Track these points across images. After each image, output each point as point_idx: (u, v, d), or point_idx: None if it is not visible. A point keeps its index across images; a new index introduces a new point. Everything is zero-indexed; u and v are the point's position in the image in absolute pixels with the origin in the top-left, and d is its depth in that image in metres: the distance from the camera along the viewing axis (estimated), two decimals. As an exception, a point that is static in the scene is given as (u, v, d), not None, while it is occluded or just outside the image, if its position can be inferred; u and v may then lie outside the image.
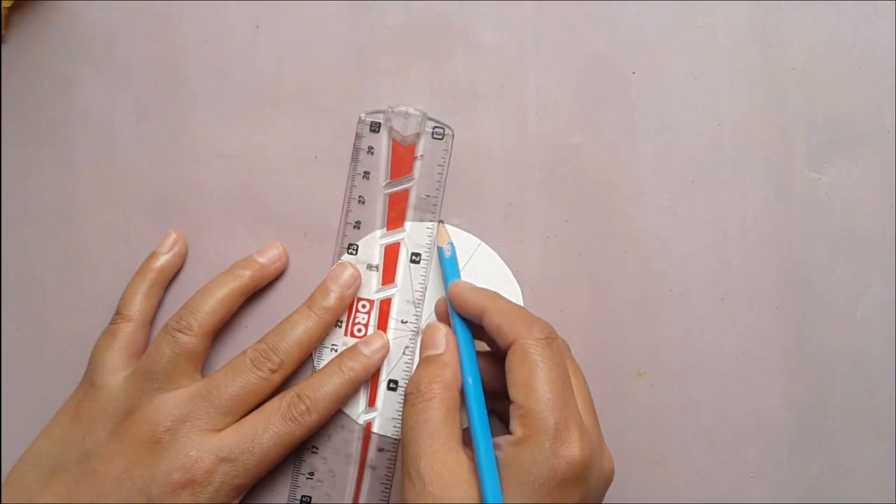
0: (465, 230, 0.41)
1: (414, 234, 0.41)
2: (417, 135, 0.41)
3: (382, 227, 0.41)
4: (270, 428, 0.37)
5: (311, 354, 0.40)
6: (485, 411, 0.35)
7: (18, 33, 0.42)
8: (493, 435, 0.34)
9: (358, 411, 0.40)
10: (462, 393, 0.35)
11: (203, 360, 0.40)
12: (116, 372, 0.39)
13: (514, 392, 0.33)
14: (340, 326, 0.40)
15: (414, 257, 0.41)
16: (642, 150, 0.41)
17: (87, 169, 0.42)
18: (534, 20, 0.41)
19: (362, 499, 0.40)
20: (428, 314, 0.41)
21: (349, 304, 0.40)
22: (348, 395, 0.39)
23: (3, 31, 0.42)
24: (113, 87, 0.42)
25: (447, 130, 0.41)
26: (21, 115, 0.42)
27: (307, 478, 0.40)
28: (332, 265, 0.41)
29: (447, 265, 0.39)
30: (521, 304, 0.41)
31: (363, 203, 0.41)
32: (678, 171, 0.41)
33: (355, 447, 0.40)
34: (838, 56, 0.41)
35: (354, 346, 0.40)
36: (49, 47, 0.42)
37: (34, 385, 0.41)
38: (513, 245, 0.41)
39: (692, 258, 0.41)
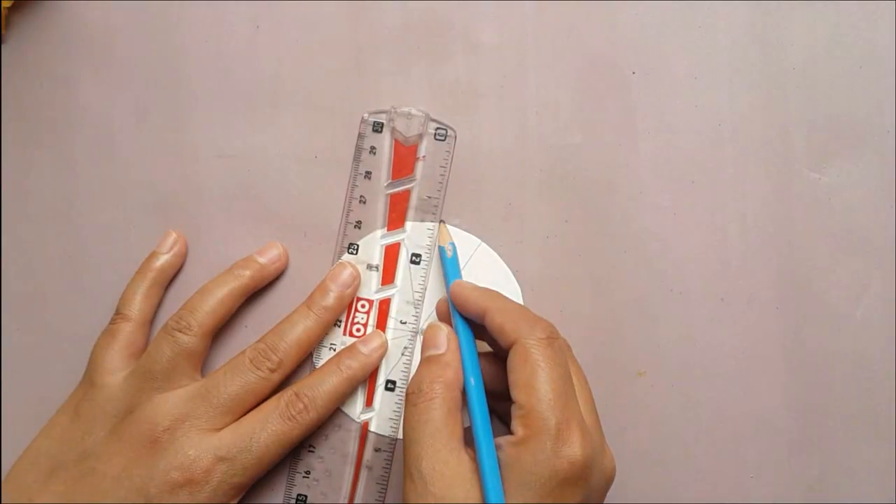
0: (465, 230, 0.41)
1: (414, 234, 0.41)
2: (420, 136, 0.41)
3: (383, 228, 0.41)
4: (268, 427, 0.37)
5: (310, 354, 0.40)
6: (487, 411, 0.35)
7: (18, 33, 0.42)
8: (494, 435, 0.34)
9: (356, 411, 0.40)
10: (463, 393, 0.35)
11: (203, 360, 0.40)
12: (116, 371, 0.39)
13: (515, 392, 0.33)
14: (339, 326, 0.40)
15: (414, 258, 0.41)
16: (642, 150, 0.41)
17: (87, 169, 0.42)
18: (534, 20, 0.41)
19: (358, 498, 0.40)
20: (427, 315, 0.41)
21: (348, 304, 0.40)
22: (346, 394, 0.39)
23: (3, 31, 0.42)
24: (113, 86, 0.42)
25: (450, 132, 0.41)
26: (21, 115, 0.42)
27: (303, 477, 0.40)
28: (332, 265, 0.41)
29: (449, 265, 0.39)
30: (522, 304, 0.41)
31: (364, 203, 0.41)
32: (678, 171, 0.41)
33: (352, 447, 0.40)
34: (838, 56, 0.41)
35: (353, 346, 0.40)
36: (49, 47, 0.42)
37: (34, 385, 0.41)
38: (513, 245, 0.41)
39: (692, 258, 0.41)
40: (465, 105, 0.41)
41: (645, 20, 0.41)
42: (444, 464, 0.33)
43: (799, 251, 0.41)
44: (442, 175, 0.41)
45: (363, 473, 0.40)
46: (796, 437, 0.40)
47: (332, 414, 0.39)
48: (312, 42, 0.42)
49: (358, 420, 0.40)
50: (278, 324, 0.39)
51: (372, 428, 0.40)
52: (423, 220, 0.41)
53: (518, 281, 0.41)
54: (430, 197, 0.41)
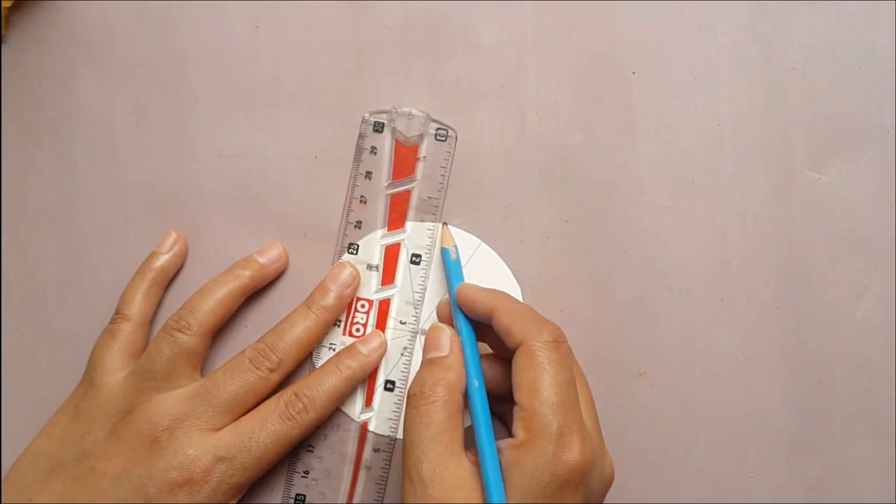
0: (465, 230, 0.41)
1: (415, 235, 0.41)
2: (421, 136, 0.41)
3: (383, 228, 0.41)
4: (268, 426, 0.37)
5: (309, 354, 0.40)
6: (489, 415, 0.35)
7: (18, 33, 0.42)
8: (495, 438, 0.34)
9: (355, 411, 0.40)
10: (465, 395, 0.35)
11: (202, 360, 0.40)
12: (116, 371, 0.39)
13: (518, 394, 0.33)
14: (339, 326, 0.40)
15: (414, 258, 0.41)
16: (642, 150, 0.41)
17: (87, 169, 0.42)
18: (534, 20, 0.41)
19: (356, 499, 0.40)
20: (427, 315, 0.41)
21: (348, 304, 0.40)
22: (346, 394, 0.39)
23: (3, 31, 0.42)
24: (113, 86, 0.42)
25: (450, 132, 0.41)
26: (21, 115, 0.42)
27: (302, 476, 0.40)
28: (332, 265, 0.41)
29: (452, 267, 0.39)
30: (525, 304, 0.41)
31: (365, 203, 0.41)
32: (678, 171, 0.41)
33: (351, 447, 0.40)
34: (838, 56, 0.41)
35: (352, 345, 0.40)
36: (49, 47, 0.42)
37: (34, 385, 0.41)
38: (513, 245, 0.41)
39: (692, 258, 0.41)
40: (465, 105, 0.41)
41: (645, 20, 0.41)
42: (444, 467, 0.32)
43: (799, 251, 0.41)
44: (442, 175, 0.41)
45: (362, 473, 0.40)
46: (796, 437, 0.40)
47: (332, 414, 0.39)
48: (312, 42, 0.42)
49: (357, 420, 0.40)
50: (278, 324, 0.39)
51: (371, 428, 0.40)
52: (423, 221, 0.41)
53: (518, 281, 0.41)
54: (430, 197, 0.41)
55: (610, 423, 0.38)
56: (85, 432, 0.38)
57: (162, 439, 0.37)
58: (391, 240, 0.41)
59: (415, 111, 0.41)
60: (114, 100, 0.42)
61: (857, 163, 0.41)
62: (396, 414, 0.40)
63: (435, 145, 0.41)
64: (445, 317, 0.38)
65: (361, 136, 0.41)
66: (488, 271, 0.41)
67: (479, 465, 0.33)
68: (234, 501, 0.37)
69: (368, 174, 0.41)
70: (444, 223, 0.40)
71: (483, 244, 0.41)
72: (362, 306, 0.41)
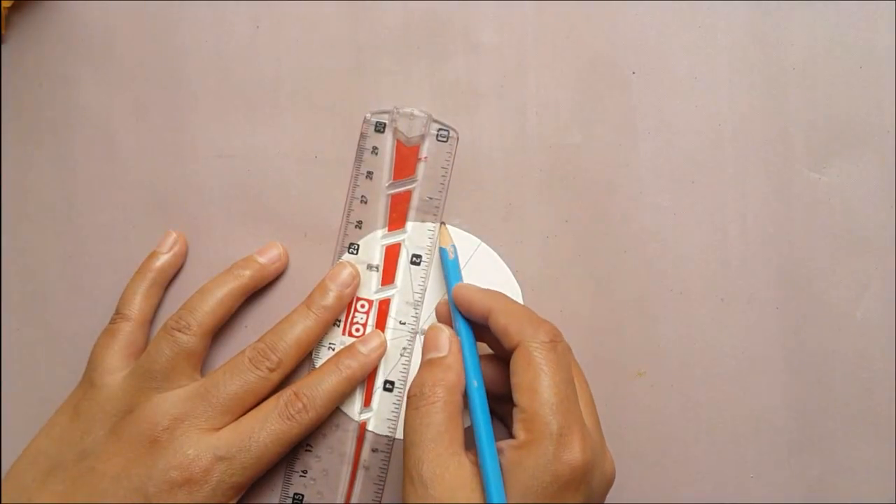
0: (465, 230, 0.41)
1: (415, 235, 0.41)
2: (422, 136, 0.41)
3: (384, 228, 0.41)
4: (268, 426, 0.37)
5: (309, 354, 0.40)
6: (488, 415, 0.35)
7: (18, 33, 0.42)
8: (496, 438, 0.34)
9: (355, 411, 0.40)
10: (465, 396, 0.35)
11: (202, 360, 0.40)
12: (116, 371, 0.39)
13: (517, 395, 0.33)
14: (339, 326, 0.40)
15: (414, 259, 0.41)
16: (642, 150, 0.41)
17: (87, 169, 0.42)
18: (534, 20, 0.41)
19: (355, 498, 0.40)
20: (427, 316, 0.41)
21: (348, 304, 0.40)
22: (345, 394, 0.39)
23: (3, 31, 0.42)
24: (112, 86, 0.42)
25: (452, 133, 0.41)
26: (21, 115, 0.42)
27: (300, 476, 0.40)
28: (333, 265, 0.41)
29: (450, 267, 0.39)
30: (521, 303, 0.41)
31: (365, 203, 0.41)
32: (678, 171, 0.41)
33: (349, 446, 0.40)
34: (838, 56, 0.41)
35: (352, 345, 0.40)
36: (49, 47, 0.42)
37: (34, 385, 0.41)
38: (513, 245, 0.41)
39: (692, 258, 0.41)
40: (465, 105, 0.41)
41: (645, 20, 0.41)
42: (444, 468, 0.32)
43: (799, 251, 0.41)
44: (443, 176, 0.41)
45: (360, 473, 0.40)
46: (796, 437, 0.40)
47: (331, 413, 0.39)
48: (312, 42, 0.42)
49: (356, 420, 0.40)
50: (277, 323, 0.39)
51: (370, 428, 0.40)
52: (423, 221, 0.41)
53: (518, 281, 0.41)
54: (431, 198, 0.41)
55: (610, 423, 0.38)
56: (85, 432, 0.38)
57: (162, 439, 0.37)
58: (391, 240, 0.41)
59: (416, 112, 0.41)
60: (114, 100, 0.42)
61: (857, 163, 0.41)
62: (395, 414, 0.40)
63: (436, 146, 0.41)
64: (444, 317, 0.38)
65: (363, 136, 0.41)
66: (488, 271, 0.41)
67: (479, 466, 0.33)
68: (234, 501, 0.37)
69: (369, 174, 0.41)
70: (443, 223, 0.41)
71: (483, 244, 0.41)
72: (362, 306, 0.41)
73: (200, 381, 0.38)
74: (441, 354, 0.36)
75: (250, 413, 0.38)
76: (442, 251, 0.39)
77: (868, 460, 0.40)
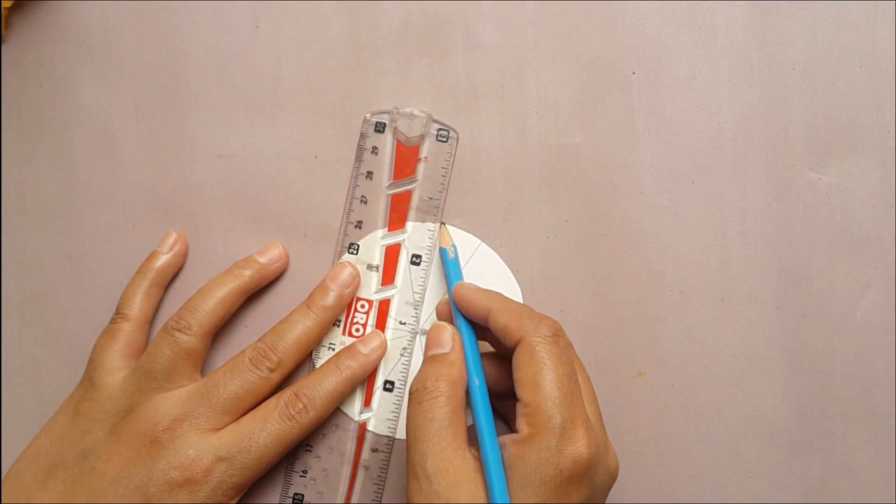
0: (465, 230, 0.41)
1: (415, 235, 0.41)
2: (422, 136, 0.41)
3: (384, 228, 0.41)
4: (268, 426, 0.37)
5: (309, 354, 0.40)
6: (490, 412, 0.35)
7: (18, 33, 0.42)
8: (497, 435, 0.34)
9: (355, 411, 0.40)
10: (467, 393, 0.35)
11: (202, 360, 0.40)
12: (116, 371, 0.39)
13: (520, 390, 0.33)
14: (339, 326, 0.40)
15: (414, 259, 0.41)
16: (642, 150, 0.41)
17: (86, 168, 0.42)
18: (534, 20, 0.41)
19: (355, 498, 0.40)
20: (427, 316, 0.41)
21: (348, 304, 0.40)
22: (346, 394, 0.39)
23: (3, 31, 0.42)
24: (112, 86, 0.42)
25: (452, 133, 0.41)
26: (21, 115, 0.42)
27: (300, 476, 0.40)
28: (333, 265, 0.41)
29: (450, 266, 0.39)
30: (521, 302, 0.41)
31: (365, 203, 0.41)
32: (678, 171, 0.41)
33: (349, 446, 0.40)
34: (838, 56, 0.41)
35: (352, 345, 0.40)
36: (49, 47, 0.42)
37: (34, 385, 0.41)
38: (513, 245, 0.41)
39: (692, 258, 0.41)
40: (465, 105, 0.41)
41: (645, 20, 0.41)
42: (448, 462, 0.32)
43: (799, 251, 0.41)
44: (443, 176, 0.41)
45: (360, 473, 0.40)
46: (796, 437, 0.40)
47: (331, 413, 0.39)
48: (312, 42, 0.42)
49: (356, 420, 0.40)
50: (278, 323, 0.39)
51: (370, 428, 0.40)
52: (423, 221, 0.41)
53: (518, 281, 0.41)
54: (431, 198, 0.41)
55: (610, 423, 0.38)
56: (85, 432, 0.38)
57: (162, 439, 0.37)
58: (391, 240, 0.41)
59: (416, 112, 0.41)
60: (114, 100, 0.42)
61: (857, 163, 0.41)
62: (395, 414, 0.40)
63: (436, 146, 0.41)
64: (445, 317, 0.38)
65: (363, 136, 0.41)
66: (488, 271, 0.41)
67: (481, 462, 0.33)
68: (234, 501, 0.37)
69: (369, 174, 0.41)
70: (442, 223, 0.41)
71: (483, 244, 0.41)
72: (362, 306, 0.41)
73: (201, 381, 0.38)
74: (444, 351, 0.36)
75: (250, 413, 0.38)
76: (442, 251, 0.39)
77: (868, 460, 0.40)
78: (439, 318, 0.39)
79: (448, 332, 0.36)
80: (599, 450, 0.33)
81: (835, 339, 0.41)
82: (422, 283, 0.41)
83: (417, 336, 0.40)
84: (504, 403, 0.38)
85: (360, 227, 0.41)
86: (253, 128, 0.42)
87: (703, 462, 0.40)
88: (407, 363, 0.40)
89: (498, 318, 0.35)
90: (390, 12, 0.42)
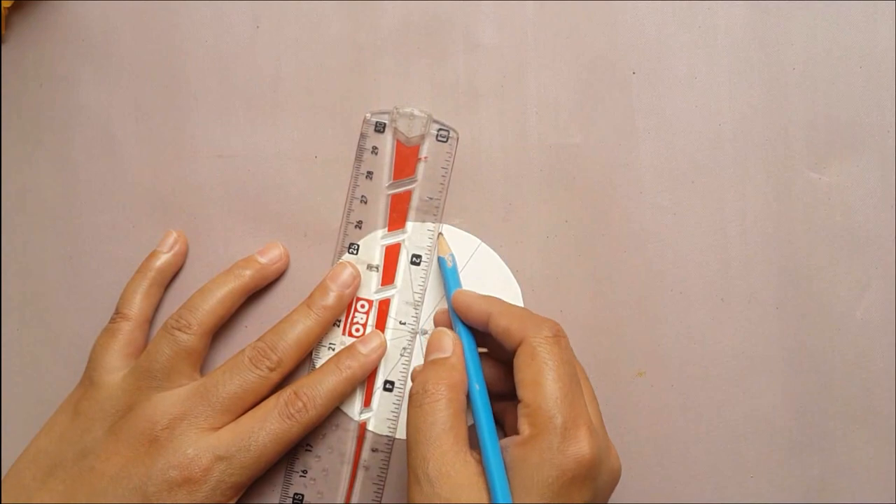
0: (465, 230, 0.41)
1: (415, 235, 0.41)
2: (422, 136, 0.41)
3: (384, 228, 0.41)
4: (267, 425, 0.37)
5: (309, 354, 0.40)
6: (492, 417, 0.34)
7: (18, 33, 0.42)
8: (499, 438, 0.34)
9: (355, 411, 0.40)
10: (468, 397, 0.35)
11: (202, 359, 0.40)
12: (115, 370, 0.39)
13: (521, 391, 0.33)
14: (339, 326, 0.40)
15: (414, 259, 0.41)
16: (642, 150, 0.41)
17: (86, 168, 0.42)
18: (534, 20, 0.41)
19: (355, 498, 0.40)
20: (427, 316, 0.41)
21: (348, 304, 0.40)
22: (345, 394, 0.39)
23: (3, 31, 0.42)
24: (112, 86, 0.42)
25: (452, 133, 0.41)
26: (21, 115, 0.42)
27: (300, 475, 0.40)
28: (333, 265, 0.41)
29: (449, 275, 0.39)
30: (521, 304, 0.41)
31: (365, 203, 0.41)
32: (678, 171, 0.41)
33: (349, 446, 0.40)
34: (838, 56, 0.41)
35: (352, 345, 0.40)
36: (49, 47, 0.42)
37: (34, 384, 0.41)
38: (513, 245, 0.41)
39: (692, 258, 0.41)
40: (465, 105, 0.41)
41: (645, 20, 0.41)
42: (450, 466, 0.32)
43: (799, 251, 0.41)
44: (443, 176, 0.41)
45: (360, 473, 0.40)
46: (796, 437, 0.40)
47: (331, 413, 0.39)
48: (312, 42, 0.42)
49: (356, 420, 0.40)
50: (278, 323, 0.39)
51: (370, 428, 0.40)
52: (423, 221, 0.41)
53: (518, 281, 0.41)
54: (431, 198, 0.41)
55: (610, 423, 0.37)
56: (84, 431, 0.38)
57: (161, 438, 0.37)
58: (391, 240, 0.41)
59: (416, 112, 0.41)
60: (114, 100, 0.42)
61: (857, 163, 0.41)
62: (395, 414, 0.40)
63: (436, 146, 0.41)
64: (443, 326, 0.38)
65: (363, 136, 0.41)
66: (488, 271, 0.41)
67: (483, 465, 0.33)
68: (234, 501, 0.37)
69: (369, 174, 0.41)
70: (440, 233, 0.40)
71: (483, 244, 0.41)
72: (362, 306, 0.41)
73: (200, 380, 0.38)
74: (444, 355, 0.36)
75: (250, 412, 0.38)
76: (440, 260, 0.39)
77: (868, 460, 0.40)
78: (437, 326, 0.39)
79: (449, 337, 0.36)
80: (602, 450, 0.33)
81: (835, 339, 0.41)
82: (422, 283, 0.41)
83: (417, 336, 0.40)
84: (503, 405, 0.38)
85: (360, 227, 0.41)
86: (253, 128, 0.42)
87: (703, 462, 0.40)
88: (407, 363, 0.40)
89: (498, 321, 0.35)
90: (390, 12, 0.42)
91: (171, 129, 0.42)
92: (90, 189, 0.42)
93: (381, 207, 0.41)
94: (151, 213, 0.42)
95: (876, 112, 0.41)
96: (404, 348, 0.40)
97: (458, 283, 0.39)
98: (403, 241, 0.41)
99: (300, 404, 0.38)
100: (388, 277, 0.41)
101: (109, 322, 0.40)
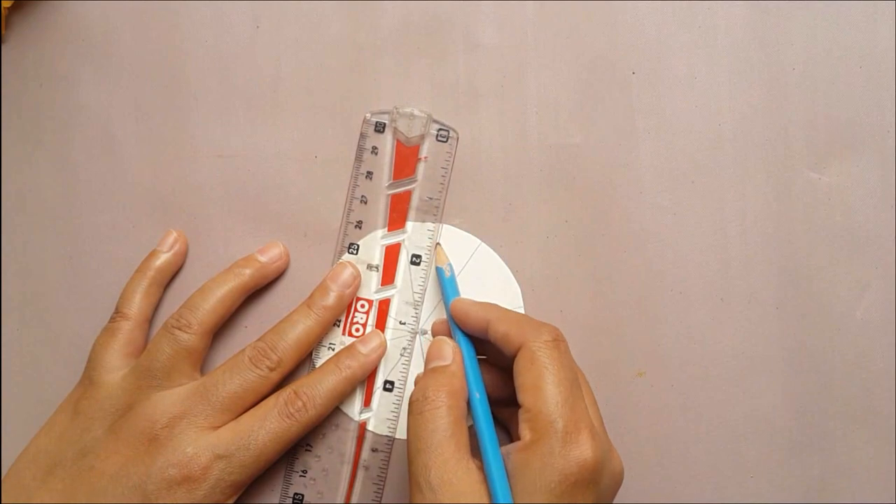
0: (465, 230, 0.41)
1: (415, 235, 0.41)
2: (422, 136, 0.41)
3: (384, 228, 0.41)
4: (267, 425, 0.37)
5: (309, 353, 0.40)
6: (493, 426, 0.34)
7: (18, 33, 0.42)
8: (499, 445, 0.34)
9: (354, 411, 0.40)
10: (468, 404, 0.35)
11: (202, 359, 0.40)
12: (115, 370, 0.39)
13: (522, 395, 0.33)
14: (339, 326, 0.40)
15: (414, 259, 0.41)
16: (642, 150, 0.41)
17: (86, 168, 0.42)
18: (534, 20, 0.41)
19: (354, 498, 0.40)
20: (427, 316, 0.41)
21: (348, 304, 0.40)
22: (345, 394, 0.39)
23: (3, 31, 0.42)
24: (112, 86, 0.42)
25: (452, 133, 0.41)
26: (21, 115, 0.42)
27: (300, 475, 0.40)
28: (333, 265, 0.41)
29: (447, 285, 0.39)
30: (521, 303, 0.41)
31: (365, 203, 0.41)
32: (678, 171, 0.41)
33: (349, 446, 0.40)
34: (838, 56, 0.41)
35: (352, 345, 0.40)
36: (49, 47, 0.42)
37: (34, 384, 0.41)
38: (513, 245, 0.41)
39: (692, 258, 0.41)
40: (465, 105, 0.41)
41: (645, 20, 0.41)
42: (452, 473, 0.32)
43: (799, 251, 0.41)
44: (443, 176, 0.41)
45: (360, 473, 0.40)
46: (796, 437, 0.40)
47: (330, 413, 0.39)
48: (312, 42, 0.42)
49: (356, 419, 0.40)
50: (278, 323, 0.39)
51: (370, 428, 0.40)
52: (423, 221, 0.41)
53: (518, 281, 0.41)
54: (431, 198, 0.41)
55: (610, 423, 0.38)
56: (84, 430, 0.38)
57: (161, 437, 0.37)
58: (391, 240, 0.41)
59: (416, 112, 0.41)
60: (114, 100, 0.42)
61: (857, 163, 0.41)
62: (395, 414, 0.40)
63: (436, 146, 0.41)
64: (441, 335, 0.38)
65: (363, 136, 0.41)
66: (488, 271, 0.41)
67: (484, 472, 0.33)
68: (233, 500, 0.37)
69: (369, 174, 0.41)
70: (438, 243, 0.40)
71: (483, 244, 0.41)
72: (362, 306, 0.41)
73: (200, 379, 0.38)
74: (444, 363, 0.36)
75: (250, 412, 0.38)
76: (439, 270, 0.39)
77: (868, 460, 0.40)
78: (434, 336, 0.39)
79: (449, 345, 0.36)
80: (604, 453, 0.33)
81: (835, 339, 0.41)
82: (422, 283, 0.41)
83: (417, 336, 0.40)
84: (504, 411, 0.38)
85: (360, 227, 0.41)
86: (253, 128, 0.42)
87: (703, 462, 0.40)
88: (407, 363, 0.40)
89: (497, 327, 0.35)
90: (390, 12, 0.42)
91: (171, 129, 0.42)
92: (90, 189, 0.42)
93: (381, 207, 0.41)
94: (151, 213, 0.42)
95: (876, 112, 0.41)
96: (404, 348, 0.40)
97: (457, 293, 0.39)
98: (403, 241, 0.41)
99: (300, 404, 0.38)
100: (388, 277, 0.41)
101: (109, 321, 0.40)
